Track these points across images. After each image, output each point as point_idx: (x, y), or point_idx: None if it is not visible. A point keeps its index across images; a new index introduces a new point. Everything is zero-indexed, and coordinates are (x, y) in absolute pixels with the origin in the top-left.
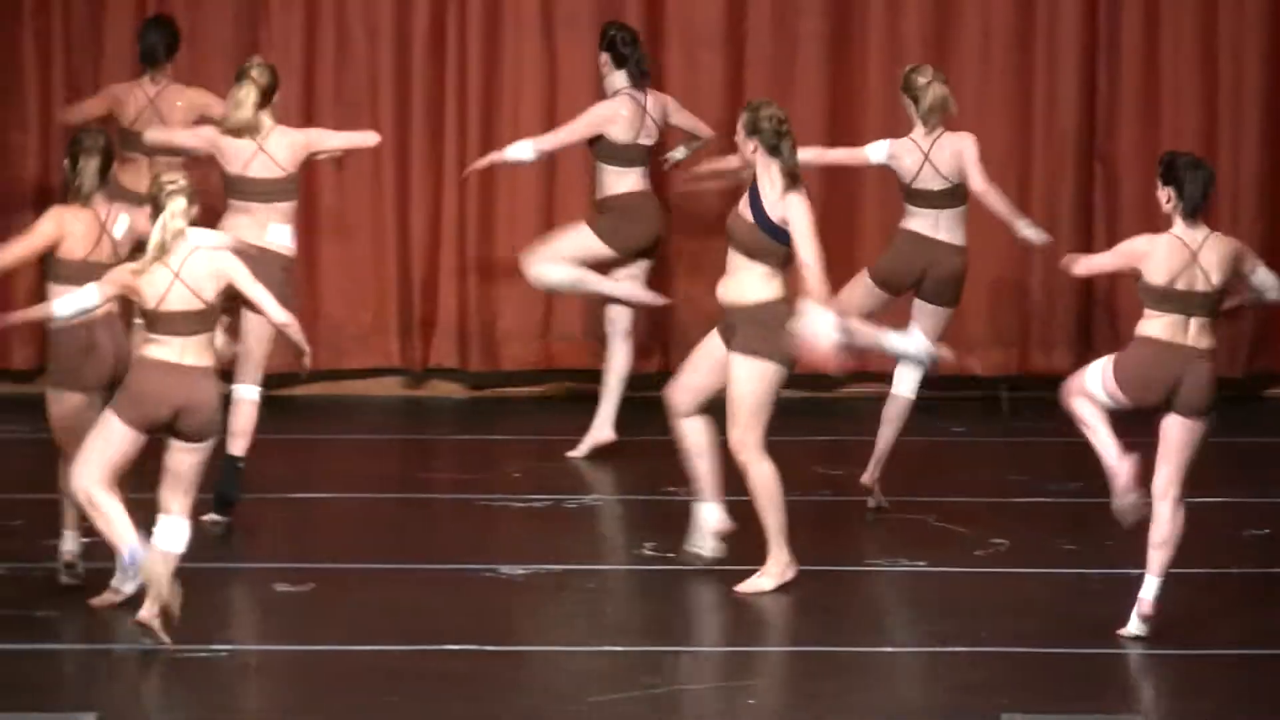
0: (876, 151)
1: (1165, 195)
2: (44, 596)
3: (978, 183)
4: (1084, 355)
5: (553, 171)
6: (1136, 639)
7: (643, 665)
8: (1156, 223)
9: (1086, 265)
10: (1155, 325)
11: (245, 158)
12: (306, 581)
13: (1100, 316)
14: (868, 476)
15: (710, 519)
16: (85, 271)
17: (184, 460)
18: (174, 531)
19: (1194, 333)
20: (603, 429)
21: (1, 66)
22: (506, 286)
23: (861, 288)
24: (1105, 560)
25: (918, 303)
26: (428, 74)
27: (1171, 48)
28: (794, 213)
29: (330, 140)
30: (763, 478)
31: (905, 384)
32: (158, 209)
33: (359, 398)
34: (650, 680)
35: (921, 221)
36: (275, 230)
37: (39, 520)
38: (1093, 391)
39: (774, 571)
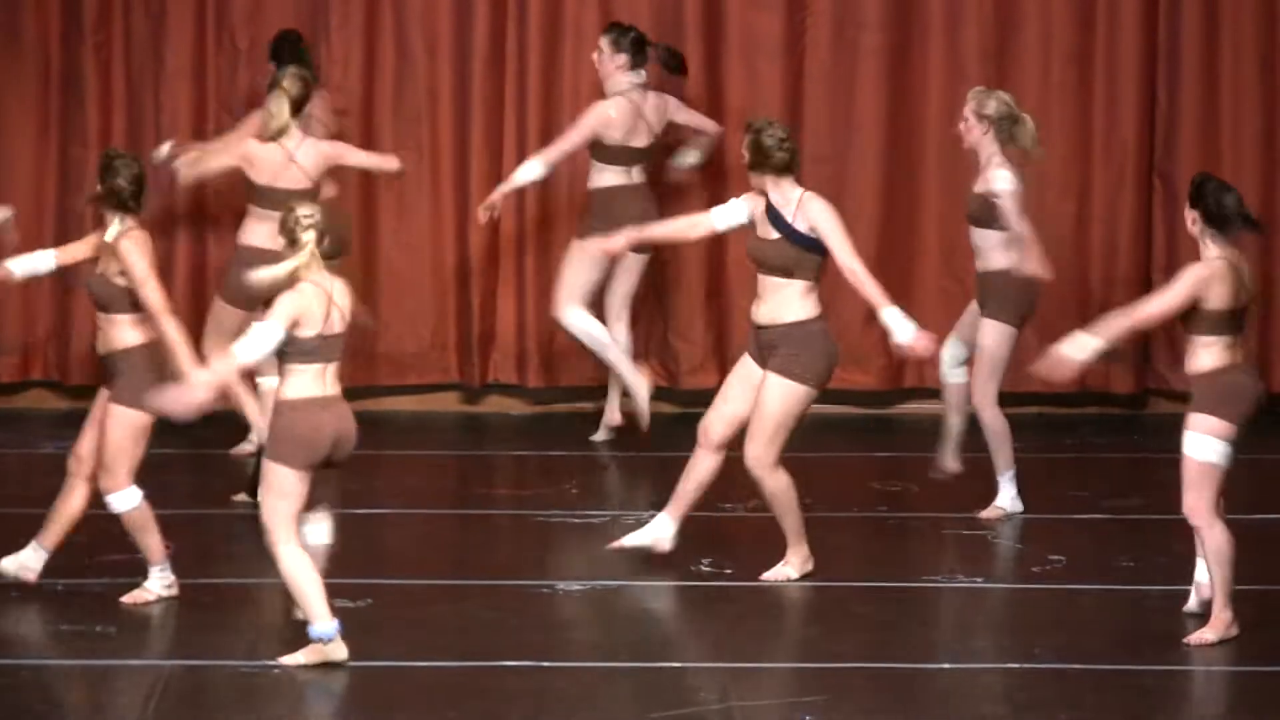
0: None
1: (1191, 217)
2: (100, 612)
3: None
4: (1143, 372)
5: None
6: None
7: (700, 681)
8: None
9: (1146, 313)
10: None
11: (276, 168)
12: (365, 597)
13: (1159, 333)
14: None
15: (664, 533)
16: None
17: None
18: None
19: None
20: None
21: (63, 83)
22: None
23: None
24: (1164, 577)
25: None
26: (487, 88)
27: (1231, 62)
28: (819, 215)
29: (352, 157)
30: (780, 488)
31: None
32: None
33: (418, 413)
34: (707, 696)
35: None
36: None
37: (95, 535)
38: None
39: (795, 563)
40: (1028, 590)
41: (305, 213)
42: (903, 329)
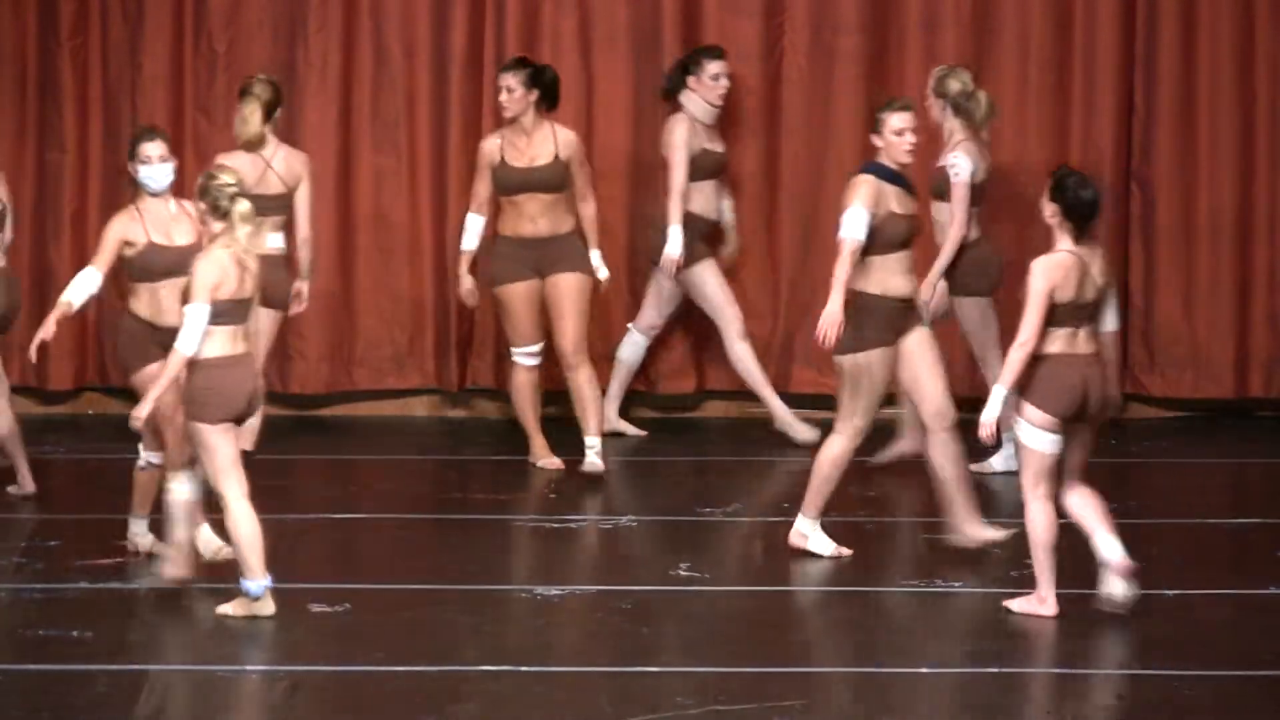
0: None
1: (1050, 210)
2: (79, 617)
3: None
4: (1121, 378)
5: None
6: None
7: (678, 686)
8: (1193, 242)
9: (1029, 332)
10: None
11: (256, 175)
12: (343, 602)
13: (1136, 339)
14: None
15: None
16: None
17: None
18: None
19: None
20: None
21: (39, 87)
22: None
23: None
24: (1145, 581)
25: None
26: (465, 92)
27: (1208, 68)
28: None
29: (304, 198)
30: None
31: None
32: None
33: (396, 418)
34: (685, 701)
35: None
36: (272, 238)
37: (75, 540)
38: (1035, 454)
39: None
40: (1008, 595)
41: (227, 181)
42: None
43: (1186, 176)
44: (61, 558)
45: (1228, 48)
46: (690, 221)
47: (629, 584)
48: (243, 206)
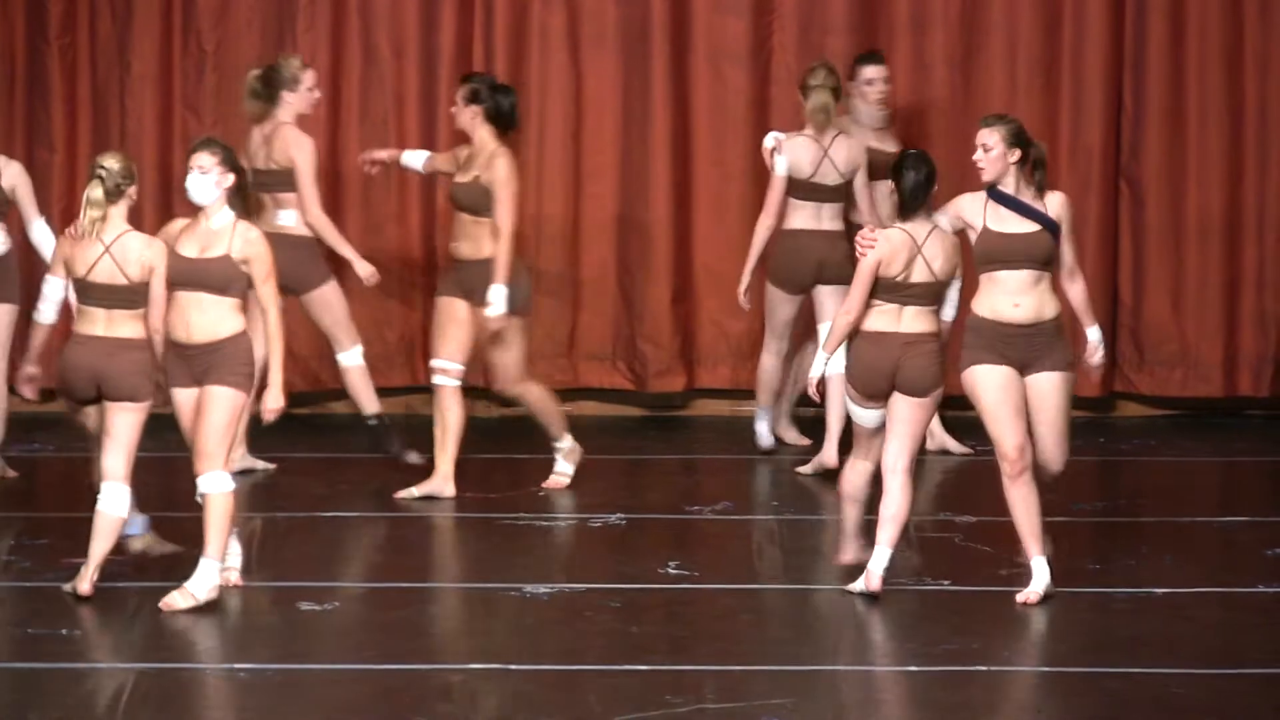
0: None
1: (889, 189)
2: (67, 615)
3: None
4: (1110, 375)
5: (578, 194)
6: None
7: (667, 684)
8: (1181, 241)
9: (856, 297)
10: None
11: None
12: (331, 600)
13: (1125, 336)
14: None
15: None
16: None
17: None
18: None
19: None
20: None
21: (28, 86)
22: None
23: None
24: (1130, 580)
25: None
26: (453, 92)
27: (1197, 67)
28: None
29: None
30: None
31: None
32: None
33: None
34: (675, 699)
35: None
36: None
37: (63, 538)
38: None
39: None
40: (995, 593)
41: (105, 164)
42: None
43: (1175, 176)
44: (50, 556)
45: (1216, 48)
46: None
47: (618, 582)
48: (94, 192)
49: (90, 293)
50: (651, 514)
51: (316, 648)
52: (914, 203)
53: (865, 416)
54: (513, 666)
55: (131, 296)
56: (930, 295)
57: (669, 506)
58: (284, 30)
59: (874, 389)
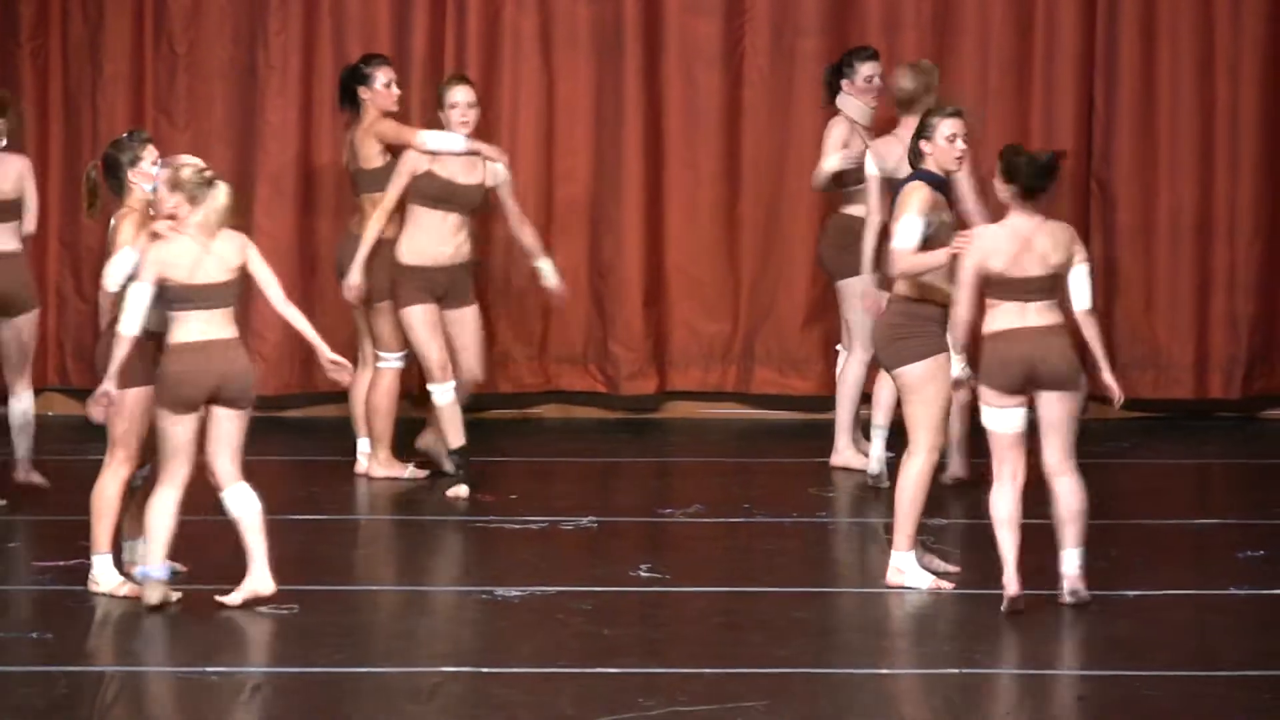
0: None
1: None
2: (39, 618)
3: None
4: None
5: (550, 196)
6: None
7: (640, 687)
8: (1153, 243)
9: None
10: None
11: None
12: (299, 603)
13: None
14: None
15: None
16: None
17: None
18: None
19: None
20: None
21: None
22: (503, 307)
23: None
24: (1103, 582)
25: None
26: (426, 94)
27: (1168, 69)
28: None
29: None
30: None
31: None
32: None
33: None
34: (647, 702)
35: None
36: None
37: (35, 542)
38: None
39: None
40: (969, 595)
41: (209, 167)
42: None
43: (1146, 177)
44: (21, 559)
45: (1187, 50)
46: (854, 225)
47: (590, 585)
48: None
49: (199, 295)
50: (623, 517)
51: (288, 651)
52: (1029, 194)
53: (1004, 420)
54: (484, 669)
55: (232, 293)
56: (1047, 288)
57: (641, 509)
58: (255, 32)
59: (1013, 384)
